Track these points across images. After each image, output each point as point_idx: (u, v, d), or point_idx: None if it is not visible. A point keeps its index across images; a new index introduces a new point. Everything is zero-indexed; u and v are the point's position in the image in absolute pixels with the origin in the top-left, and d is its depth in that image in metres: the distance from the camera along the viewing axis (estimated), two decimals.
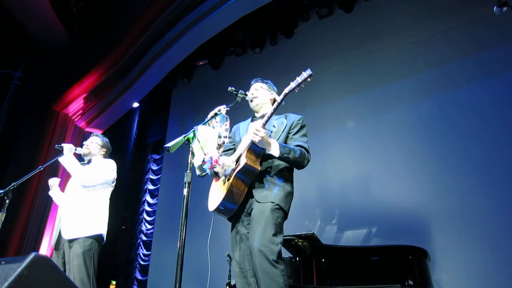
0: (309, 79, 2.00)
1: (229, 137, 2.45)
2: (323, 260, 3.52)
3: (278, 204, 2.08)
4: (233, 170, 2.13)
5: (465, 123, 4.56)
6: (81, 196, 3.04)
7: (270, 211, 2.03)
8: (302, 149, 2.17)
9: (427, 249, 3.49)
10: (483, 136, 4.37)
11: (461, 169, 4.39)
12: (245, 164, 2.05)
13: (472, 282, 3.94)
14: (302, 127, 2.31)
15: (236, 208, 2.16)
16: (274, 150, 2.06)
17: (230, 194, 2.10)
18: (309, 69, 2.00)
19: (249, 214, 2.15)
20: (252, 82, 2.51)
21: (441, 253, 4.11)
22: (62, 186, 3.42)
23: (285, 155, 2.07)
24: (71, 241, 2.91)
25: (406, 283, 3.21)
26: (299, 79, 2.02)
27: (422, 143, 4.77)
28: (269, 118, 2.12)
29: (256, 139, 2.02)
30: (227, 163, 2.21)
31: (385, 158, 4.96)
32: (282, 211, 2.11)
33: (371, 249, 3.96)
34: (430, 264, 3.47)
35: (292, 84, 2.04)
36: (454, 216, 4.25)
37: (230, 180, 2.11)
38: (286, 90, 2.06)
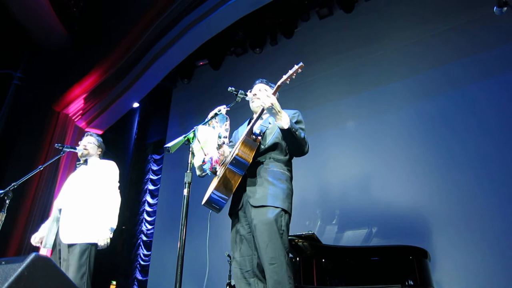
0: (300, 70, 2.03)
1: (229, 141, 2.42)
2: (323, 260, 3.52)
3: (279, 208, 2.02)
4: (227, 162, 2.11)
5: (465, 123, 4.56)
6: (83, 199, 3.04)
7: (273, 220, 1.98)
8: (304, 134, 2.15)
9: (427, 249, 3.49)
10: (483, 137, 4.37)
11: (461, 169, 4.39)
12: (236, 155, 2.02)
13: (472, 282, 3.94)
14: (299, 120, 2.27)
15: (225, 202, 2.06)
16: (285, 120, 2.01)
17: (221, 186, 2.03)
18: (301, 62, 2.04)
19: (246, 214, 2.12)
20: (257, 81, 2.46)
21: (441, 253, 4.10)
22: (61, 184, 3.42)
23: (293, 129, 2.03)
24: (69, 245, 2.92)
25: (406, 283, 3.21)
26: (290, 71, 2.05)
27: (422, 143, 4.76)
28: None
29: (267, 103, 1.97)
30: (227, 152, 2.21)
31: (385, 158, 4.96)
32: (284, 212, 2.06)
33: (371, 249, 3.96)
34: (430, 264, 3.47)
35: (284, 77, 2.06)
36: (454, 216, 4.25)
37: (222, 172, 2.08)
38: (278, 82, 2.08)
